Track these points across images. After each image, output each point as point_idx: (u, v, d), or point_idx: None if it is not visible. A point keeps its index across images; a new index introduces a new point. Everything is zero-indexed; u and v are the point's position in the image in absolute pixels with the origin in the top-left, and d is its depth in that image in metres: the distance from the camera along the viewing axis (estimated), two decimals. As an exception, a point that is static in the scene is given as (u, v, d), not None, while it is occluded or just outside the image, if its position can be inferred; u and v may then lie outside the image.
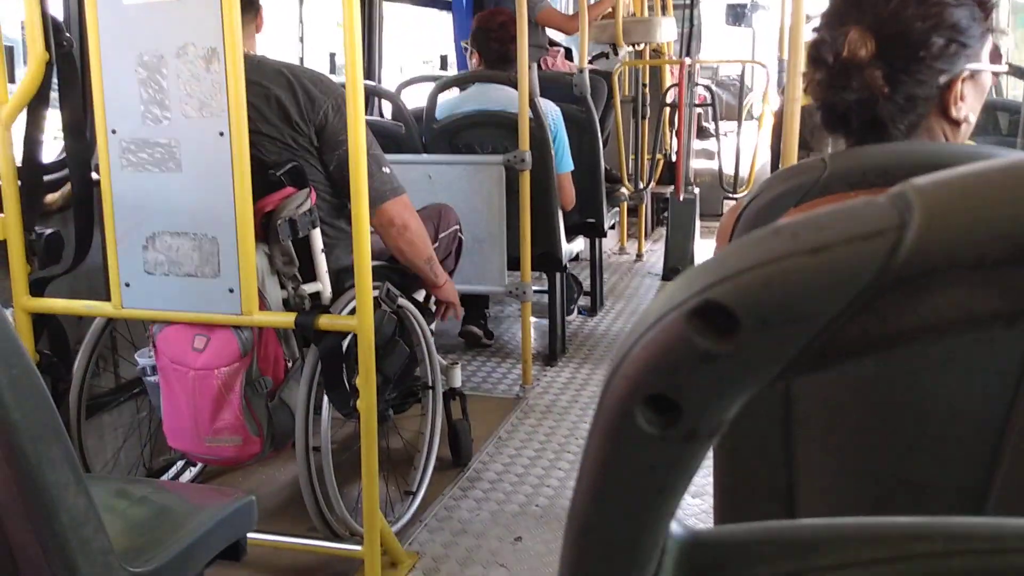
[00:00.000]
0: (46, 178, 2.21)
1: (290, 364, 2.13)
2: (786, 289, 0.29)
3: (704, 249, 5.01)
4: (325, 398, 2.08)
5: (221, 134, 1.85)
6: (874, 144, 1.10)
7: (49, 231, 2.10)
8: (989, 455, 1.00)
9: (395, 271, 2.42)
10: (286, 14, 3.92)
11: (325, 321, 1.97)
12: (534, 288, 3.29)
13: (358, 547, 2.09)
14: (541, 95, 3.46)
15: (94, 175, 2.12)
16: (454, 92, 3.63)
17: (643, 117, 5.33)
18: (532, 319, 3.45)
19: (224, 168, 1.86)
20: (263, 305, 1.98)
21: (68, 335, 2.17)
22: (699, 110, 6.01)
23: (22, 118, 2.04)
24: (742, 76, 6.67)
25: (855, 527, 0.36)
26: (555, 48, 5.20)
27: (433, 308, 2.60)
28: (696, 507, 2.41)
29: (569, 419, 3.15)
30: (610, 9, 4.86)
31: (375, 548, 2.04)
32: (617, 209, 4.90)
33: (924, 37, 1.06)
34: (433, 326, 2.56)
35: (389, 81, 4.51)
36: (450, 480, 2.68)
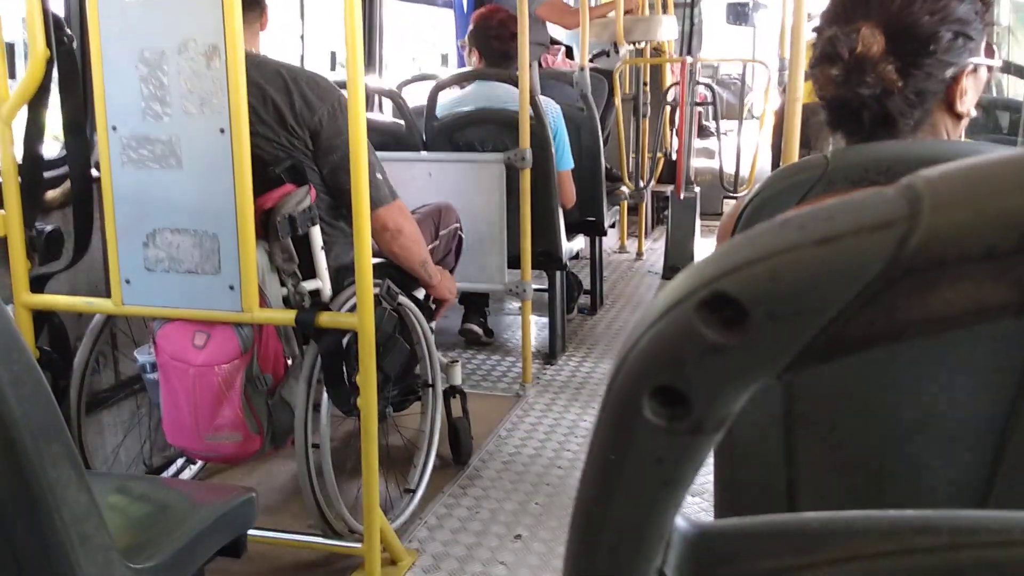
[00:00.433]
0: (46, 174, 2.21)
1: (290, 361, 2.13)
2: (794, 280, 0.29)
3: (704, 248, 5.01)
4: (325, 395, 2.08)
5: (222, 131, 1.85)
6: (882, 140, 1.11)
7: (49, 227, 2.10)
8: (991, 453, 1.00)
9: (395, 268, 2.42)
10: (286, 15, 3.91)
11: (326, 319, 1.97)
12: (534, 286, 3.29)
13: (358, 544, 2.09)
14: (541, 93, 3.46)
15: (94, 172, 2.12)
16: (455, 90, 3.62)
17: (644, 116, 5.32)
18: (532, 317, 3.45)
19: (224, 165, 1.86)
20: (263, 302, 1.98)
21: (68, 332, 2.17)
22: (700, 109, 6.01)
23: (23, 115, 2.03)
24: (743, 75, 6.65)
25: (862, 520, 0.36)
26: (555, 47, 5.19)
27: (433, 307, 2.60)
28: (696, 506, 2.40)
29: (569, 417, 3.14)
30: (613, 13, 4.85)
31: (375, 545, 2.04)
32: (617, 208, 4.90)
33: (933, 30, 1.07)
34: (433, 324, 2.56)
35: (398, 75, 4.50)
36: (450, 478, 2.68)
